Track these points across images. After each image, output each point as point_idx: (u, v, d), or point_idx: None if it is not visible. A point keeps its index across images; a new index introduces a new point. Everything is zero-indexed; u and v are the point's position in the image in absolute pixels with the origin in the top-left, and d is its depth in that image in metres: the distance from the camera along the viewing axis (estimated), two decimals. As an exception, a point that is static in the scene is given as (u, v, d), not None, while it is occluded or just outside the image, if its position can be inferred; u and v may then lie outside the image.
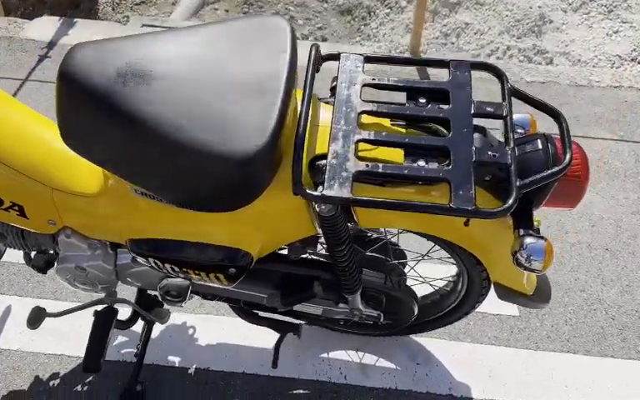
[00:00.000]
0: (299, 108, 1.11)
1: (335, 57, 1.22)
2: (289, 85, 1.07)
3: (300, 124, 1.06)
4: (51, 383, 1.59)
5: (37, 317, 1.41)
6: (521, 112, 1.24)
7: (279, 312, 1.52)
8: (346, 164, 1.05)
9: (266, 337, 1.65)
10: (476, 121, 1.12)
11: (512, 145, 1.07)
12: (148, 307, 1.52)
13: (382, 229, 1.44)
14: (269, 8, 3.76)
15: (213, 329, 1.73)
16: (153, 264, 1.28)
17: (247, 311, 1.53)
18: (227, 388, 1.61)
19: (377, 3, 3.73)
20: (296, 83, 1.14)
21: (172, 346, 1.70)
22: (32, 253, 1.45)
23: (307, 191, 1.03)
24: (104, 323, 1.43)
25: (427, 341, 1.75)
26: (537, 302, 1.40)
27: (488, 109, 1.13)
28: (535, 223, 1.22)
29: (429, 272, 1.57)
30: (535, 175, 1.05)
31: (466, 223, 1.07)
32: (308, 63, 1.15)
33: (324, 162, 1.06)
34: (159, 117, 1.01)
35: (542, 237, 1.11)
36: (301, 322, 1.54)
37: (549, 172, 1.05)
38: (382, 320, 1.46)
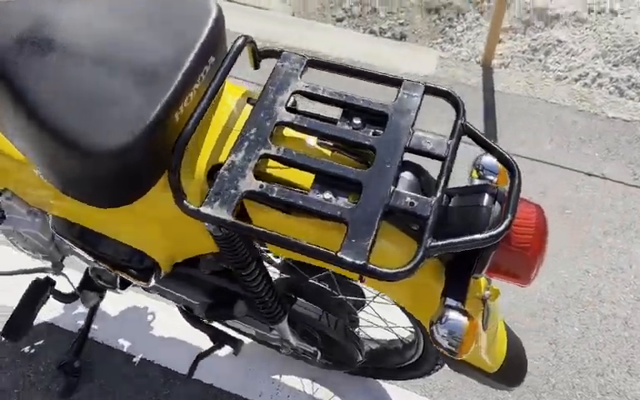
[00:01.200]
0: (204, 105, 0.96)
1: (276, 54, 1.05)
2: (190, 77, 0.93)
3: (188, 124, 0.91)
4: None
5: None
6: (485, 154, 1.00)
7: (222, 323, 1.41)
8: (239, 180, 0.90)
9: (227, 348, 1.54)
10: (412, 158, 0.92)
11: (438, 195, 0.86)
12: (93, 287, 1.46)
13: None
14: (353, -4, 3.60)
15: (172, 321, 1.59)
16: (71, 246, 1.21)
17: (192, 317, 1.42)
18: (165, 387, 1.52)
19: (468, 5, 3.44)
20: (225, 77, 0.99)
21: (126, 329, 1.62)
22: None
23: (186, 203, 0.89)
24: (36, 293, 1.38)
25: (394, 389, 1.54)
26: (499, 383, 1.16)
27: (426, 145, 0.91)
28: (484, 293, 1.00)
29: (393, 316, 1.37)
30: (456, 238, 0.84)
31: (361, 279, 0.88)
32: (227, 55, 0.99)
33: (218, 172, 0.92)
34: (35, 92, 0.91)
35: (466, 314, 0.89)
36: (241, 338, 1.41)
37: (469, 238, 0.83)
38: (318, 358, 1.29)
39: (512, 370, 1.16)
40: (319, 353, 1.27)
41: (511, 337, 1.19)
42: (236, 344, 1.40)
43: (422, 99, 0.96)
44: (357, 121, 0.95)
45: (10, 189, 1.28)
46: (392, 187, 0.86)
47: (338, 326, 1.22)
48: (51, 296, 1.41)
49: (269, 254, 1.26)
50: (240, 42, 0.98)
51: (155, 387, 1.51)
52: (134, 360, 1.56)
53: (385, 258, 0.87)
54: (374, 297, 1.28)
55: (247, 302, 1.18)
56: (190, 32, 0.96)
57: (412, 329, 1.30)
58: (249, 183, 0.88)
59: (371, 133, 0.93)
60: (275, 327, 1.18)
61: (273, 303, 1.12)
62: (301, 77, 1.00)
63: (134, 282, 1.20)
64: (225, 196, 0.87)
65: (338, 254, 0.80)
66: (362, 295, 1.29)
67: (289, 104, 0.98)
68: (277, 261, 1.28)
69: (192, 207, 0.87)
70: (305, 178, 0.92)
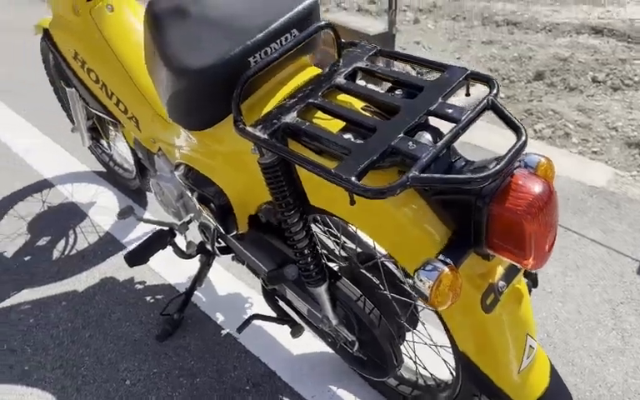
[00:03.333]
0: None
1: (354, 44, 1.22)
2: (271, 36, 1.15)
3: (253, 68, 1.11)
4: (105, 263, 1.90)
5: (125, 212, 1.75)
6: (537, 153, 0.99)
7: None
8: (283, 116, 1.06)
9: (323, 358, 1.63)
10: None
11: (438, 145, 0.89)
12: (205, 251, 1.69)
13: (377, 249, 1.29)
14: (548, 120, 3.56)
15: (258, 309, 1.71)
16: (184, 186, 1.46)
17: (268, 293, 1.54)
18: (234, 370, 1.63)
19: (675, 147, 3.14)
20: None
21: (223, 306, 1.78)
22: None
23: (239, 123, 1.07)
24: (158, 239, 1.66)
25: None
26: None
27: (447, 110, 0.96)
28: (497, 281, 0.97)
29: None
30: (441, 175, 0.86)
31: (351, 202, 0.93)
32: (307, 29, 1.18)
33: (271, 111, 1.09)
34: (168, 39, 1.22)
35: (449, 266, 0.88)
36: (302, 324, 1.47)
37: (453, 176, 0.84)
38: (355, 349, 1.29)
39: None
40: (356, 344, 1.28)
41: (555, 379, 1.07)
42: (295, 327, 1.47)
43: (461, 80, 1.02)
44: (398, 92, 1.06)
45: (162, 149, 1.62)
46: (402, 135, 0.93)
47: (374, 313, 1.23)
48: (169, 246, 1.68)
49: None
50: (322, 23, 1.18)
51: (226, 359, 1.64)
52: (222, 332, 1.72)
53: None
54: (416, 301, 1.26)
55: (296, 265, 1.28)
56: (283, 8, 1.19)
57: (454, 371, 1.24)
58: (290, 119, 1.04)
59: (402, 99, 1.02)
60: (314, 293, 1.24)
61: (313, 263, 1.20)
62: (367, 59, 1.14)
63: (220, 230, 1.39)
64: (268, 124, 1.04)
65: (333, 169, 0.89)
66: (409, 298, 1.28)
67: (348, 76, 1.12)
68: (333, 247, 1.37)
69: (241, 126, 1.05)
70: (336, 127, 1.03)
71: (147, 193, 2.26)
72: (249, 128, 1.04)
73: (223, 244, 1.56)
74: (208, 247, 1.58)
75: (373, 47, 1.18)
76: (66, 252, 2.02)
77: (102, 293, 1.85)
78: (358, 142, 0.96)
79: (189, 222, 1.67)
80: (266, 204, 1.26)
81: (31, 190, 2.33)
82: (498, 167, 0.83)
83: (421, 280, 0.88)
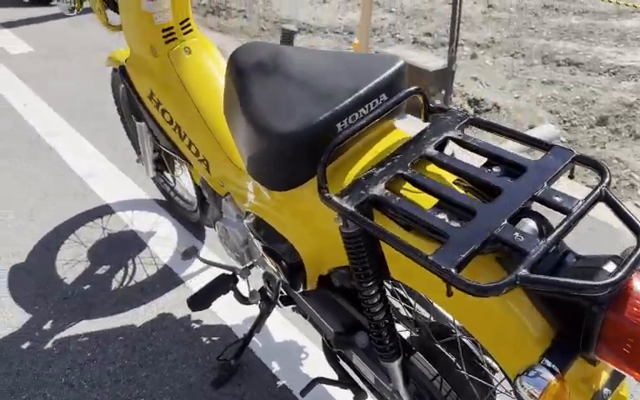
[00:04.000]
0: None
1: (444, 110, 1.15)
2: (359, 101, 1.10)
3: (343, 131, 1.06)
4: (166, 301, 1.87)
5: (189, 253, 1.72)
6: None
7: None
8: (371, 186, 1.00)
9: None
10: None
11: (549, 239, 0.82)
12: (266, 299, 1.64)
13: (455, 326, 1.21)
14: (612, 170, 3.40)
15: (317, 366, 1.64)
16: (253, 237, 1.42)
17: (330, 353, 1.48)
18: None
19: None
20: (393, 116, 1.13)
21: (280, 354, 1.73)
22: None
23: (324, 191, 1.02)
24: (219, 284, 1.62)
25: None
26: None
27: (555, 199, 0.88)
28: (602, 389, 0.88)
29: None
30: (554, 277, 0.78)
31: (448, 293, 0.86)
32: (397, 94, 1.13)
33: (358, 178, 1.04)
34: (253, 95, 1.19)
35: (556, 375, 0.79)
36: (366, 390, 1.40)
37: (569, 280, 0.76)
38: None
39: None
40: (428, 424, 1.20)
41: None
42: (359, 393, 1.40)
43: (567, 164, 0.94)
44: (496, 169, 0.98)
45: (231, 193, 1.59)
46: (506, 222, 0.86)
47: (451, 396, 1.15)
48: (231, 291, 1.64)
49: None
50: (412, 89, 1.12)
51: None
52: (278, 383, 1.67)
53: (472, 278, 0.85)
54: (498, 384, 1.17)
55: (368, 334, 1.22)
56: (372, 73, 1.14)
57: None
58: (378, 190, 0.98)
59: (504, 179, 0.95)
60: (387, 367, 1.17)
61: (388, 337, 1.13)
62: (458, 128, 1.08)
63: (287, 285, 1.34)
64: (355, 194, 0.99)
65: (429, 256, 0.83)
66: (488, 381, 1.19)
67: (439, 146, 1.06)
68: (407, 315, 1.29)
69: (327, 194, 1.00)
70: (428, 203, 0.97)
71: (206, 227, 2.24)
72: (335, 198, 0.98)
73: (286, 293, 1.52)
74: (270, 295, 1.54)
75: (464, 114, 1.11)
76: (124, 283, 2.00)
77: (159, 330, 1.83)
78: (456, 225, 0.89)
79: (251, 266, 1.63)
80: (342, 269, 1.20)
81: (92, 215, 2.34)
82: (620, 275, 0.75)
83: (523, 386, 0.80)
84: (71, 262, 2.10)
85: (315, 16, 5.49)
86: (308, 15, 5.49)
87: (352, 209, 0.95)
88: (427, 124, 1.11)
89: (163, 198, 2.41)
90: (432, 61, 3.80)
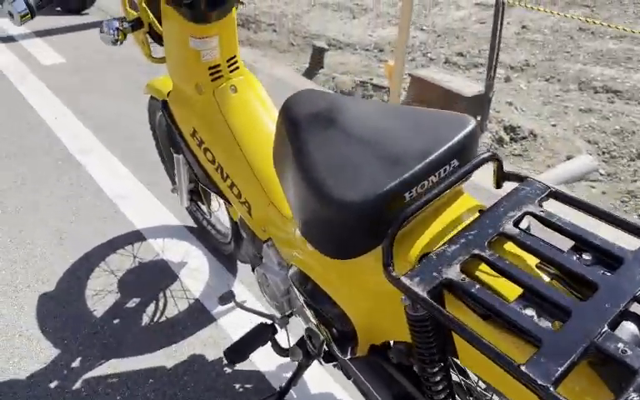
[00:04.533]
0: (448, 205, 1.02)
1: (520, 178, 1.05)
2: (430, 168, 1.00)
3: (413, 203, 0.96)
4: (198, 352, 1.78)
5: (226, 298, 1.64)
6: None
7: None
8: (444, 267, 0.90)
9: None
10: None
11: None
12: (304, 350, 1.55)
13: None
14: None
15: None
16: (298, 294, 1.33)
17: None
18: None
19: None
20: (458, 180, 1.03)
21: None
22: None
23: (390, 269, 0.93)
24: (257, 334, 1.53)
25: None
26: None
27: (663, 302, 0.78)
28: None
29: None
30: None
31: (541, 411, 0.75)
32: (470, 162, 1.03)
33: (428, 255, 0.94)
34: (311, 151, 1.09)
35: None
36: None
37: None
38: None
39: None
40: None
41: None
42: None
43: None
44: (586, 257, 0.88)
45: (273, 239, 1.50)
46: (606, 328, 0.76)
47: None
48: (269, 342, 1.55)
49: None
50: (485, 156, 1.02)
51: None
52: (315, 440, 1.58)
53: (571, 397, 0.75)
54: None
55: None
56: (442, 136, 1.04)
57: None
58: (452, 273, 0.88)
59: (599, 272, 0.84)
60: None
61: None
62: (538, 203, 0.98)
63: (334, 348, 1.25)
64: (426, 276, 0.88)
65: (522, 367, 0.73)
66: None
67: (517, 222, 0.96)
68: None
69: (394, 274, 0.90)
70: (510, 292, 0.87)
71: (238, 261, 2.16)
72: (404, 279, 0.88)
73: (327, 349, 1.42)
74: (312, 351, 1.44)
75: (544, 185, 1.01)
76: (155, 319, 1.93)
77: (190, 374, 1.74)
78: (550, 327, 0.79)
79: (290, 315, 1.54)
80: (400, 344, 1.10)
81: (122, 241, 2.27)
82: None
83: None
84: (101, 293, 2.02)
85: (344, 31, 5.40)
86: (338, 30, 5.41)
87: (424, 295, 0.85)
88: (503, 194, 1.01)
89: (194, 225, 2.33)
90: (467, 86, 3.69)
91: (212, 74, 1.50)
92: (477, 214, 1.04)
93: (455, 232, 0.98)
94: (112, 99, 3.45)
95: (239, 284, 2.09)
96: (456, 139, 1.03)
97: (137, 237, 2.30)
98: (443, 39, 5.26)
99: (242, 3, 1.56)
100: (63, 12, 4.88)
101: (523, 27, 5.46)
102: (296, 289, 1.31)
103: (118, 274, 2.11)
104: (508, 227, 0.94)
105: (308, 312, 1.32)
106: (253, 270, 1.64)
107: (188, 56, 1.46)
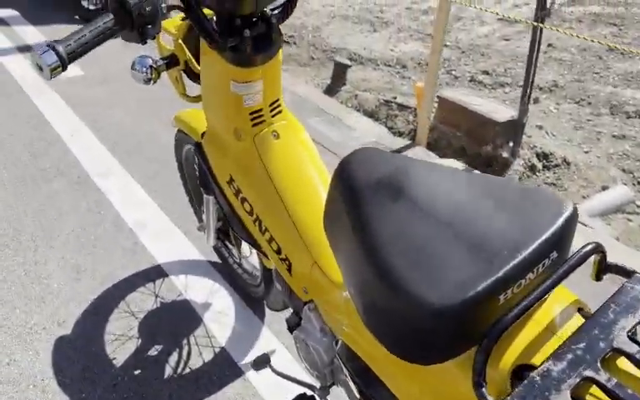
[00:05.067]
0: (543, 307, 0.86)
1: (626, 273, 0.89)
2: (527, 264, 0.84)
3: (512, 310, 0.81)
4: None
5: (261, 362, 1.49)
6: None
7: None
8: (552, 393, 0.75)
9: None
10: None
11: None
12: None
13: None
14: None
15: None
16: (347, 376, 1.18)
17: None
18: None
19: None
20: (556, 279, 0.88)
21: None
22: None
23: (484, 391, 0.77)
24: (297, 405, 1.39)
25: None
26: None
27: None
28: None
29: None
30: None
31: None
32: (572, 257, 0.87)
33: (530, 374, 0.79)
34: (375, 228, 0.94)
35: None
36: None
37: None
38: None
39: None
40: None
41: None
42: None
43: None
44: None
45: (315, 302, 1.35)
46: None
47: None
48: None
49: None
50: (589, 248, 0.86)
51: None
52: None
53: None
54: None
55: None
56: (538, 223, 0.88)
57: None
58: None
59: None
60: None
61: None
62: None
63: None
64: (529, 402, 0.73)
65: None
66: None
67: (632, 333, 0.80)
68: None
69: (490, 398, 0.75)
70: None
71: (265, 305, 2.01)
72: None
73: None
74: None
75: (655, 283, 0.85)
76: (178, 371, 1.78)
77: (218, 437, 1.60)
78: None
79: (332, 385, 1.39)
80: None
81: (143, 278, 2.13)
82: None
83: None
84: (121, 338, 1.88)
85: (365, 45, 5.25)
86: (359, 44, 5.26)
87: None
88: (612, 296, 0.85)
89: (218, 260, 2.19)
90: (499, 110, 3.53)
91: (253, 119, 1.35)
92: (577, 315, 0.88)
93: (555, 340, 0.83)
94: (133, 117, 3.31)
95: (269, 334, 1.94)
96: (555, 228, 0.87)
97: (158, 273, 2.16)
98: (468, 56, 5.10)
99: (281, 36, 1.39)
100: (83, 20, 4.75)
101: (549, 44, 5.28)
102: (346, 370, 1.16)
103: (139, 316, 1.97)
104: (622, 339, 0.78)
105: (355, 389, 1.17)
106: (290, 331, 1.49)
107: (229, 100, 1.31)
